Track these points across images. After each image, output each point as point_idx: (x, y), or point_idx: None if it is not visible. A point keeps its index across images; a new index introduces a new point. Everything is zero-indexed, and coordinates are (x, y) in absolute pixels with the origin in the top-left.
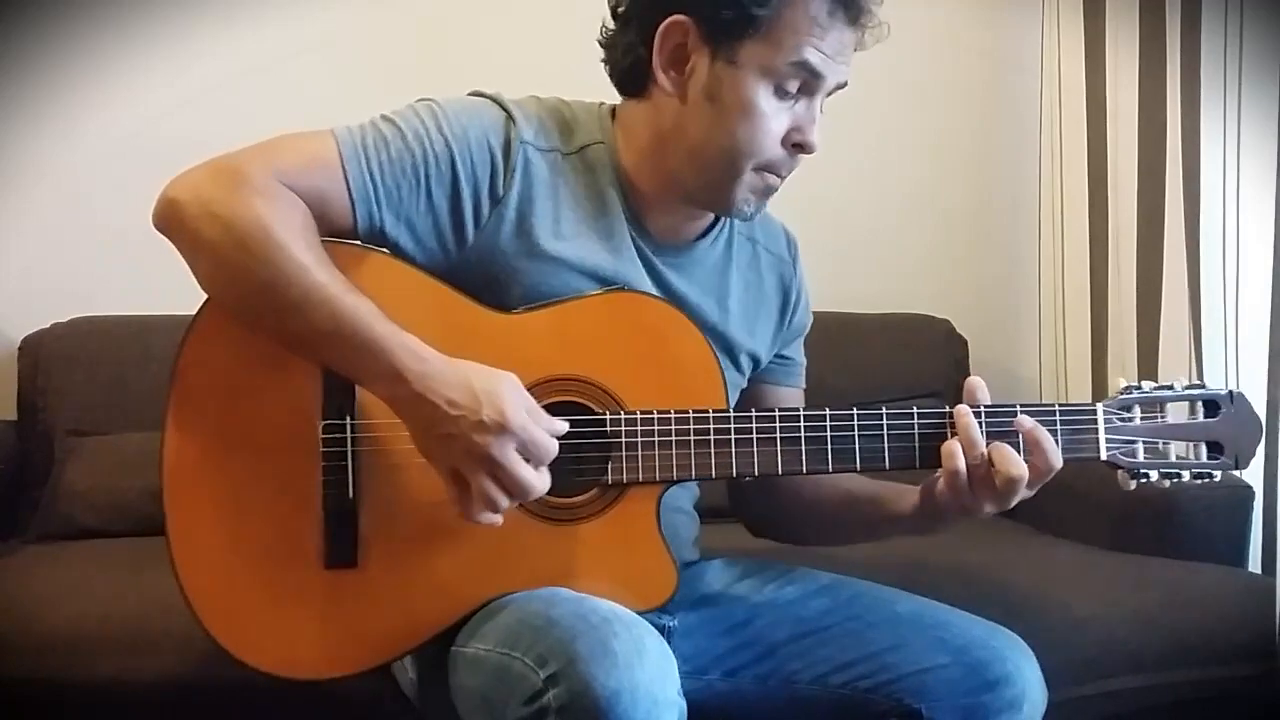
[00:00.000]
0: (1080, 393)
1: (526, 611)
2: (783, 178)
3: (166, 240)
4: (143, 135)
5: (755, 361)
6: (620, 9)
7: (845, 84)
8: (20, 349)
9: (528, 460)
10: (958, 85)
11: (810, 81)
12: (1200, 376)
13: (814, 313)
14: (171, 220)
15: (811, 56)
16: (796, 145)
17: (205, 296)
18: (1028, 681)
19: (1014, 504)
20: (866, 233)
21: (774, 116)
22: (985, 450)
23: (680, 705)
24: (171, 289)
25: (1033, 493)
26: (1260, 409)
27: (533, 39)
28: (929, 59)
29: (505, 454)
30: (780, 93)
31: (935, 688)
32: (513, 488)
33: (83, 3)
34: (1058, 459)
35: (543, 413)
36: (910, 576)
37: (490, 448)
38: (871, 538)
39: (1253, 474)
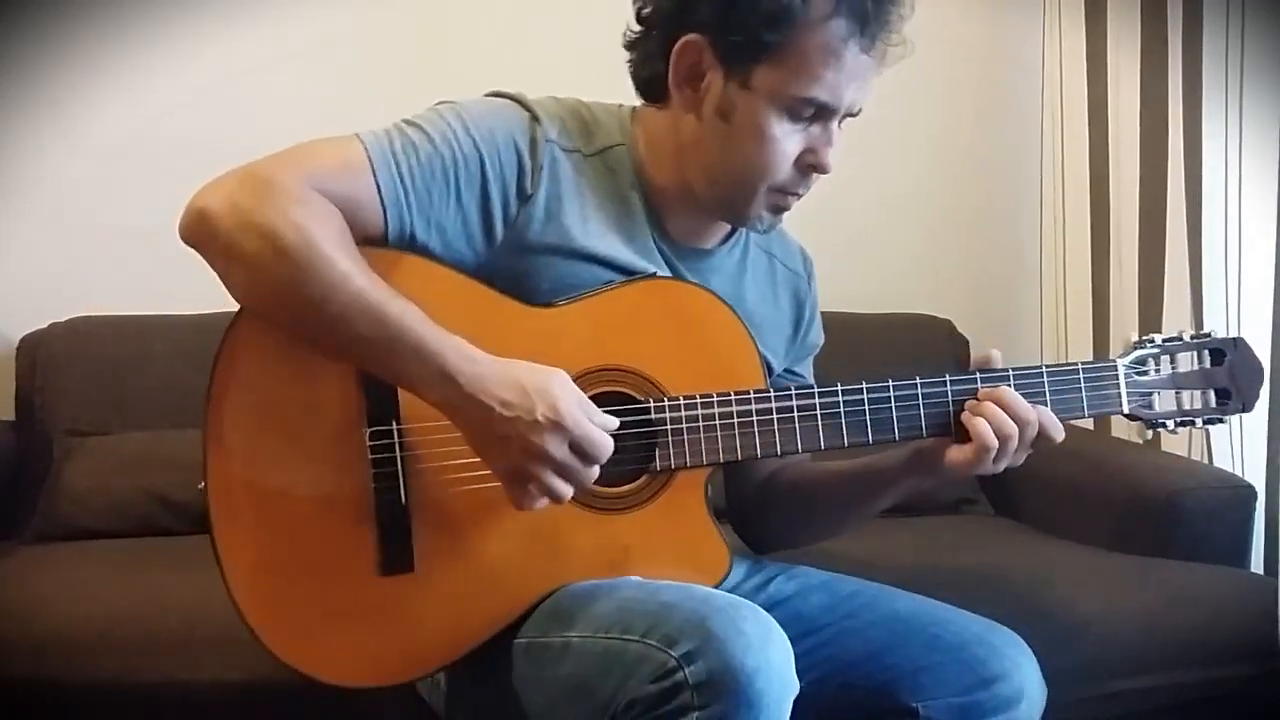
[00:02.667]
0: None
1: (627, 598)
2: (798, 196)
3: (165, 241)
4: (143, 135)
5: (769, 368)
6: (644, 12)
7: (860, 110)
8: (19, 349)
9: (582, 456)
10: (958, 85)
11: (821, 110)
12: None
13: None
14: (203, 232)
15: (821, 94)
16: (810, 166)
17: (223, 309)
18: (1025, 678)
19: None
20: (866, 233)
21: (786, 139)
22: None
23: (797, 687)
24: (171, 289)
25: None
26: (1262, 409)
27: (532, 39)
28: (929, 59)
29: (562, 450)
30: (794, 116)
31: (932, 686)
32: (571, 481)
33: (83, 3)
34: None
35: (595, 408)
36: (910, 577)
37: (547, 446)
38: (868, 509)
39: (1254, 474)
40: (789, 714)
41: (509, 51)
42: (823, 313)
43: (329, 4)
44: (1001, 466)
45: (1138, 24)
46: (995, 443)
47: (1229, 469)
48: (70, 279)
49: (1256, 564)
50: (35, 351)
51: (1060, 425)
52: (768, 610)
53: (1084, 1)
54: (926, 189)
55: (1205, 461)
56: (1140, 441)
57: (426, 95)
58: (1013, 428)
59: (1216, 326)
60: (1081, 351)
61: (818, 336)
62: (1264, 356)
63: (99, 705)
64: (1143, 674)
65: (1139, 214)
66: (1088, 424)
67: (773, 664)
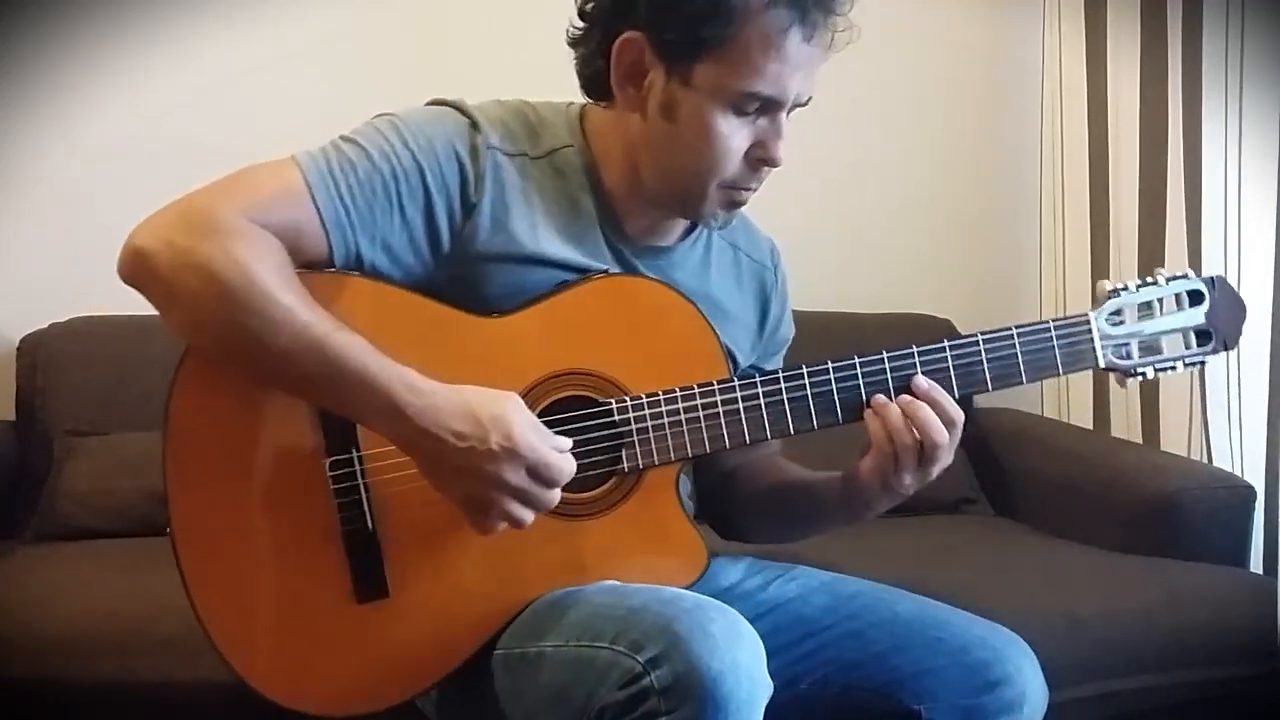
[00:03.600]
0: (1082, 392)
1: (599, 604)
2: (751, 190)
3: None
4: (143, 135)
5: (734, 361)
6: (586, 8)
7: (809, 100)
8: (19, 349)
9: (540, 480)
10: (958, 85)
11: (767, 104)
12: (1203, 378)
13: (814, 313)
14: (142, 272)
15: (765, 87)
16: (760, 160)
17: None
18: (1028, 682)
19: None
20: (866, 233)
21: (733, 135)
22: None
23: (771, 686)
24: None
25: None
26: (1261, 409)
27: (533, 39)
28: (929, 59)
29: (519, 477)
30: (739, 111)
31: (935, 689)
32: (533, 504)
33: (83, 3)
34: (944, 427)
35: (547, 431)
36: (911, 576)
37: (504, 474)
38: (808, 527)
39: (1254, 474)
40: (761, 714)
41: (509, 51)
42: (822, 313)
43: (329, 4)
44: (910, 474)
45: (1138, 24)
46: (890, 448)
47: (1229, 469)
48: (70, 279)
49: (1255, 564)
50: (35, 352)
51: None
52: (769, 612)
53: (1084, 1)
54: (926, 189)
55: (1205, 461)
56: (1139, 440)
57: (426, 95)
58: (904, 429)
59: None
60: None
61: (787, 331)
62: (1264, 358)
63: (99, 705)
64: (1142, 673)
65: (1138, 213)
66: (1087, 424)
67: (740, 664)
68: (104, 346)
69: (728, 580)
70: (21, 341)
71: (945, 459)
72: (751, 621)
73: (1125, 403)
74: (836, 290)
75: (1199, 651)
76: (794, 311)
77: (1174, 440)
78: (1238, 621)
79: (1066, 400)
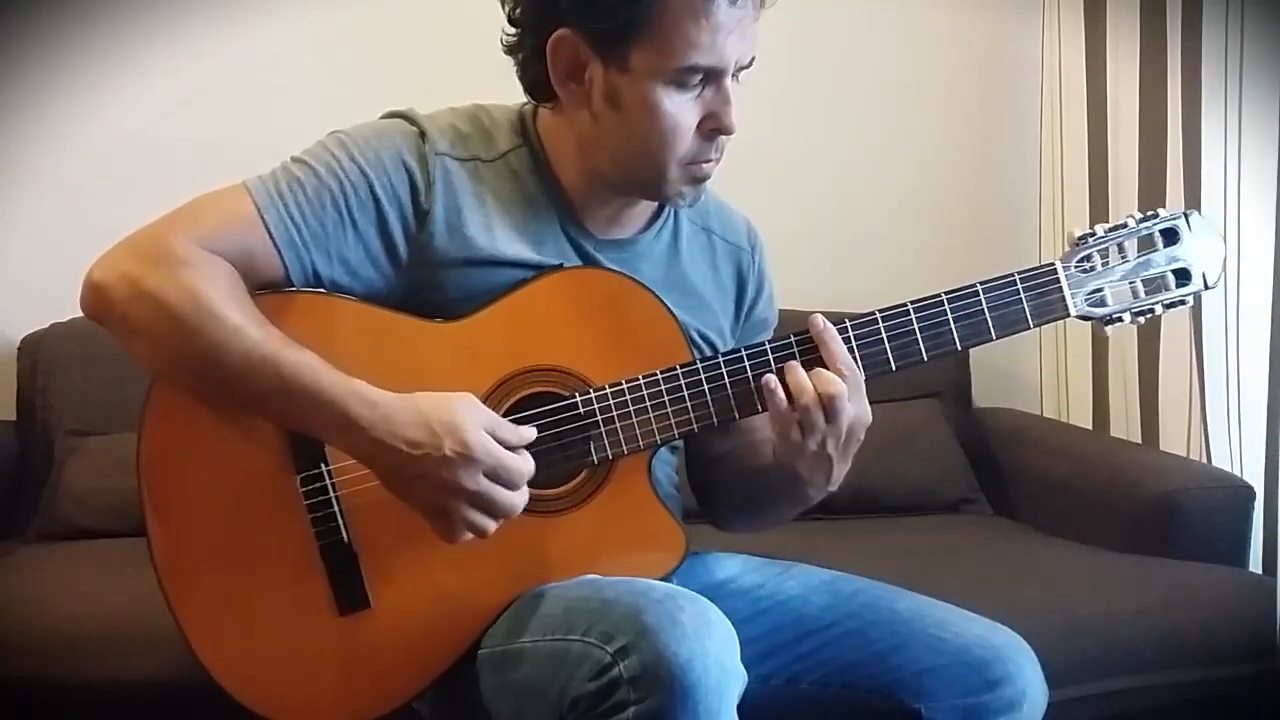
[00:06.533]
0: (1081, 395)
1: (574, 598)
2: (712, 162)
3: None
4: (142, 135)
5: (714, 347)
6: (515, 13)
7: (752, 61)
8: (20, 349)
9: (500, 482)
10: (958, 85)
11: (709, 74)
12: (1202, 375)
13: (813, 313)
14: (99, 305)
15: (701, 58)
16: (714, 130)
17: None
18: (1028, 681)
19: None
20: (866, 233)
21: (681, 112)
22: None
23: (744, 676)
24: None
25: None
26: (1261, 409)
27: None
28: (930, 59)
29: (477, 482)
30: (682, 87)
31: (935, 688)
32: (493, 511)
33: (82, 2)
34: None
35: (508, 425)
36: (910, 575)
37: (461, 480)
38: (768, 510)
39: (1253, 474)
40: (732, 703)
41: None
42: (821, 314)
43: (329, 4)
44: (814, 438)
45: (1137, 23)
46: (790, 411)
47: (1228, 469)
48: (71, 279)
49: (1255, 564)
50: (36, 351)
51: (845, 392)
52: (768, 609)
53: (1084, 1)
54: (926, 189)
55: (1204, 461)
56: (1139, 440)
57: (427, 95)
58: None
59: (1214, 329)
60: (1080, 351)
61: (766, 311)
62: (1263, 358)
63: (99, 705)
64: (1140, 673)
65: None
66: (1087, 424)
67: (709, 653)
68: (104, 346)
69: (723, 574)
70: (22, 341)
71: (854, 415)
72: (749, 618)
73: (1124, 403)
74: (835, 290)
75: (1198, 651)
76: (794, 311)
77: (1173, 440)
78: (1237, 621)
79: (1066, 400)
